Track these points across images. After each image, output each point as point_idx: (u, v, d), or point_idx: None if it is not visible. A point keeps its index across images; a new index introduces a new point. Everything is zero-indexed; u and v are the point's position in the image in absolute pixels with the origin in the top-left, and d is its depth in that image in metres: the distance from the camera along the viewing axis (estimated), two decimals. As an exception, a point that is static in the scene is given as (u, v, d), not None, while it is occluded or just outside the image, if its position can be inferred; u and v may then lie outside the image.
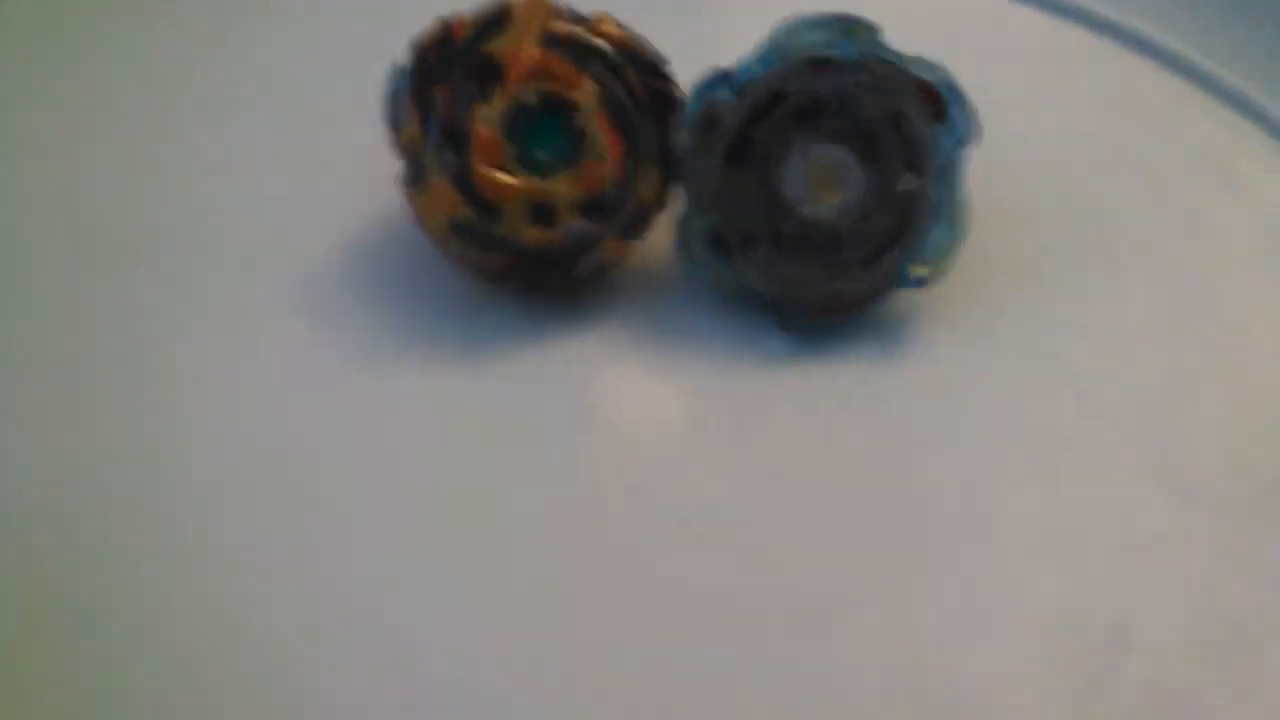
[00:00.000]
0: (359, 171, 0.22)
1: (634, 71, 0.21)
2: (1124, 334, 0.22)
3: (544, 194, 0.20)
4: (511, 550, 0.18)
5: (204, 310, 0.21)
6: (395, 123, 0.21)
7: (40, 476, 0.19)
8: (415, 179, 0.20)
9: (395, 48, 0.20)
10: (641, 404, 0.21)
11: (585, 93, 0.20)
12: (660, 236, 0.22)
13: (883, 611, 0.18)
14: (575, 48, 0.20)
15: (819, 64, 0.20)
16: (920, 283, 0.21)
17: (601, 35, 0.21)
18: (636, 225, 0.21)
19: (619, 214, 0.21)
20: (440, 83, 0.20)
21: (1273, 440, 0.21)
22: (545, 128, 0.20)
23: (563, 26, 0.20)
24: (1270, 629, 0.18)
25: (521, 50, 0.20)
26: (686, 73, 0.21)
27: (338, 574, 0.18)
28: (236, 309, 0.21)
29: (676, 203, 0.21)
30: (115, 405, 0.20)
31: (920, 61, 0.20)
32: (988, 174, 0.21)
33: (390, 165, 0.21)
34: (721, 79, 0.20)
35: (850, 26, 0.20)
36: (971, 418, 0.21)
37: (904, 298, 0.22)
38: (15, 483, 0.19)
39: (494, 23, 0.20)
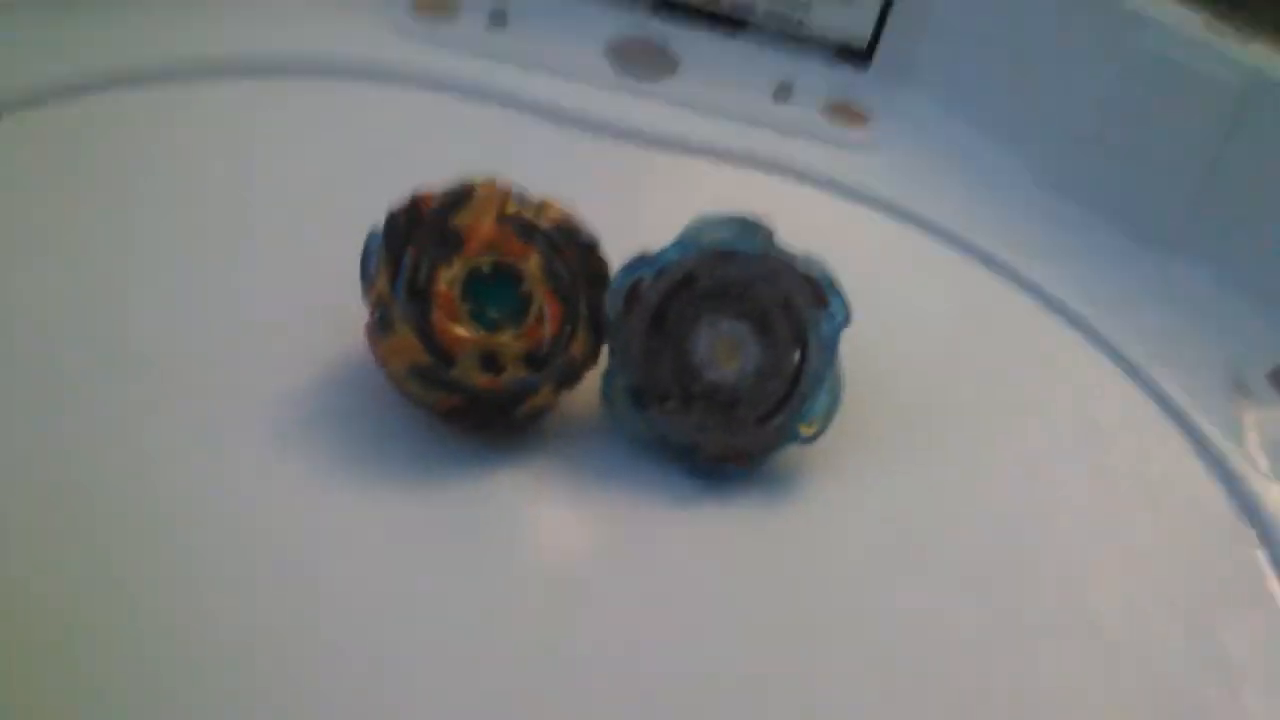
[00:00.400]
0: (329, 318, 0.25)
1: (572, 248, 0.25)
2: (965, 483, 0.27)
3: (493, 346, 0.24)
4: (446, 660, 0.21)
5: (175, 431, 0.23)
6: (367, 277, 0.24)
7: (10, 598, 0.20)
8: (382, 327, 0.24)
9: (375, 212, 0.24)
10: (566, 532, 0.24)
11: (531, 264, 0.24)
12: (588, 389, 0.25)
13: None
14: (524, 226, 0.24)
15: (726, 255, 0.24)
16: (806, 439, 0.25)
17: (547, 218, 0.25)
18: (569, 378, 0.25)
19: (555, 367, 0.24)
20: (409, 245, 0.24)
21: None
22: (496, 291, 0.24)
23: (514, 208, 0.24)
24: None
25: (480, 225, 0.24)
26: (616, 250, 0.25)
27: (294, 681, 0.20)
28: (209, 429, 0.23)
29: (603, 361, 0.25)
30: (89, 515, 0.21)
31: (806, 259, 0.25)
32: (861, 352, 0.26)
33: (356, 313, 0.24)
34: (645, 262, 0.24)
35: (751, 226, 0.25)
36: (844, 549, 0.25)
37: (792, 450, 0.26)
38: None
39: (458, 199, 0.24)
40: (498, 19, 0.39)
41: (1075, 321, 0.32)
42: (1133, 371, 0.31)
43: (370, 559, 0.22)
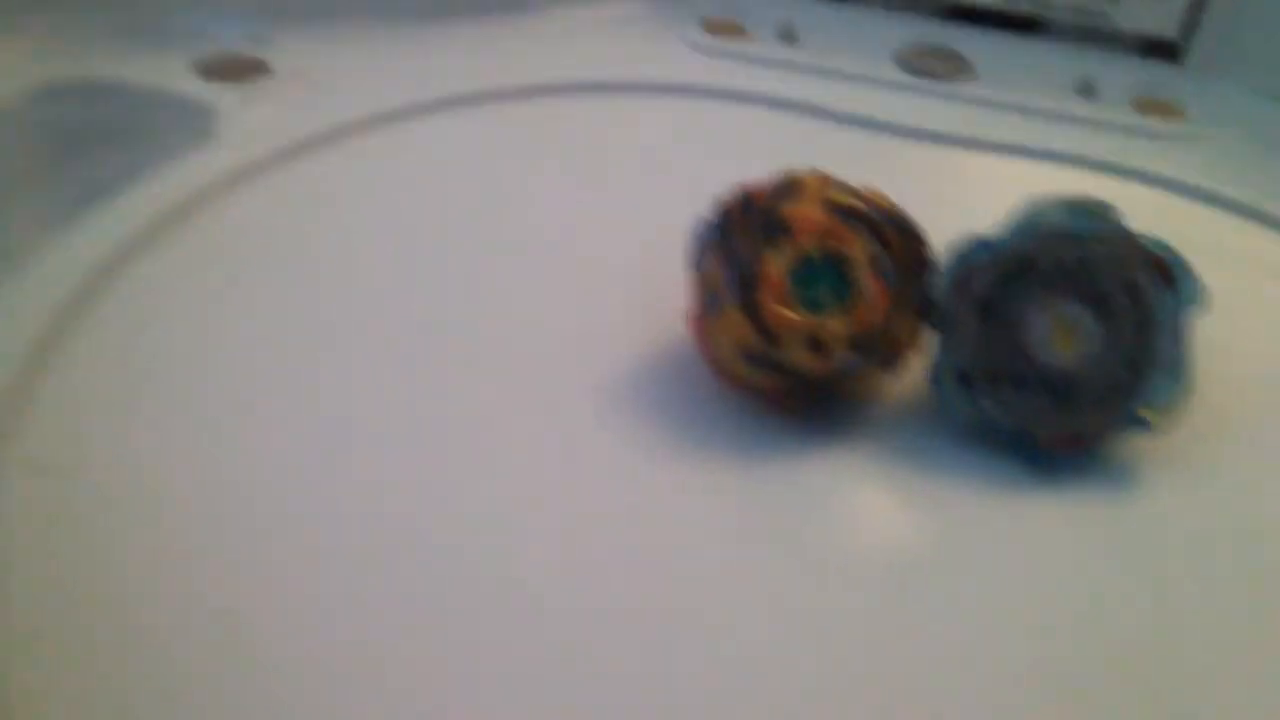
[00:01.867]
0: (651, 314, 0.27)
1: (895, 234, 0.25)
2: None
3: (820, 329, 0.24)
4: (772, 646, 0.21)
5: (512, 412, 0.25)
6: (699, 265, 0.25)
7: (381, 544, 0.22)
8: (712, 310, 0.25)
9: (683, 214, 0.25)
10: (893, 519, 0.24)
11: (857, 250, 0.24)
12: (913, 375, 0.25)
13: None
14: (850, 212, 0.25)
15: (1067, 237, 0.24)
16: (1147, 425, 0.24)
17: (873, 205, 0.25)
18: (893, 360, 0.25)
19: (879, 349, 0.24)
20: (740, 235, 0.25)
21: None
22: (823, 276, 0.24)
23: (841, 196, 0.25)
24: None
25: (809, 213, 0.24)
26: (937, 239, 0.25)
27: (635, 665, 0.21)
28: (544, 413, 0.25)
29: (928, 346, 0.25)
30: (445, 476, 0.23)
31: (1154, 239, 0.24)
32: (1214, 346, 0.24)
33: (674, 309, 0.25)
34: (982, 246, 0.24)
35: (1092, 207, 0.24)
36: (1183, 549, 0.23)
37: (1135, 441, 0.24)
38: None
39: (786, 189, 0.25)
40: (787, 35, 0.40)
41: None
42: None
43: (704, 545, 0.22)
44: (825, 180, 0.25)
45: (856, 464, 0.24)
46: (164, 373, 0.25)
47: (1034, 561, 0.23)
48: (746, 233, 0.25)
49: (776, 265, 0.24)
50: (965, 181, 0.34)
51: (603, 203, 0.31)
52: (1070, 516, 0.23)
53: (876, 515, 0.24)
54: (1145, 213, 0.32)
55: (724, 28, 0.41)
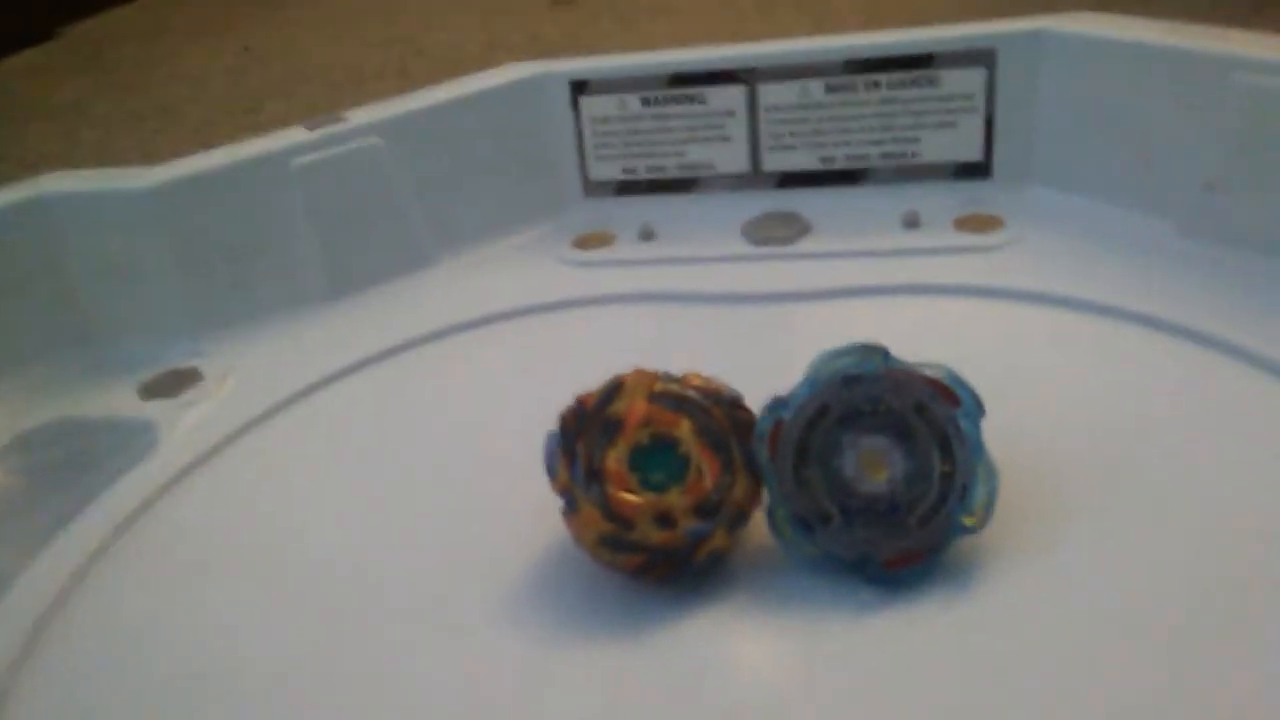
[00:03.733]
0: (536, 513, 0.30)
1: (719, 408, 0.28)
2: (1147, 548, 0.27)
3: (664, 506, 0.27)
4: None
5: (416, 629, 0.28)
6: (552, 472, 0.29)
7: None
8: (570, 508, 0.28)
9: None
10: (767, 658, 0.26)
11: (683, 429, 0.28)
12: (759, 528, 0.28)
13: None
14: (672, 398, 0.28)
15: (851, 379, 0.27)
16: (971, 530, 0.27)
17: (691, 387, 0.28)
18: (738, 519, 0.28)
19: (723, 513, 0.27)
20: (579, 438, 0.28)
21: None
22: (658, 458, 0.28)
23: (661, 386, 0.28)
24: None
25: (634, 407, 0.28)
26: (760, 401, 0.28)
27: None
28: (450, 612, 0.28)
29: (767, 499, 0.28)
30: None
31: (928, 365, 0.27)
32: (1008, 436, 0.27)
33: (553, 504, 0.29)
34: (780, 404, 0.28)
35: (867, 349, 0.28)
36: (1031, 633, 0.25)
37: (963, 544, 0.27)
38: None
39: (612, 392, 0.28)
40: (646, 234, 0.45)
41: (1240, 354, 0.31)
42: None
43: (600, 712, 0.25)
44: (647, 376, 0.29)
45: (724, 615, 0.27)
46: (140, 672, 0.28)
47: (893, 673, 0.25)
48: (584, 435, 0.28)
49: (614, 458, 0.28)
50: (810, 332, 0.37)
51: (490, 423, 0.35)
52: (917, 624, 0.26)
53: (754, 657, 0.26)
54: (972, 320, 0.36)
55: (593, 240, 0.46)
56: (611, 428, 0.28)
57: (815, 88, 0.43)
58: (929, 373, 0.27)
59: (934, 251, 0.40)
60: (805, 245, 0.42)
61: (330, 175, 0.43)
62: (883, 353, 0.27)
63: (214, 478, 0.35)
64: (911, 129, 0.43)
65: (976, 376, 0.27)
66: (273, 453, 0.36)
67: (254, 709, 0.26)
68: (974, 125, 0.42)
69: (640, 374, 0.29)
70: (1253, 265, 0.36)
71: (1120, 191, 0.40)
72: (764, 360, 0.29)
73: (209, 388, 0.40)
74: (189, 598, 0.30)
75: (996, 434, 0.27)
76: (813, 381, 0.28)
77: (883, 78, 0.42)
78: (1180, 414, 0.31)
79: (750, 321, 0.38)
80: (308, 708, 0.26)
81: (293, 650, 0.28)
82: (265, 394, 0.38)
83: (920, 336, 0.29)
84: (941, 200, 0.43)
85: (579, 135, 0.46)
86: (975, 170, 0.43)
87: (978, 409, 0.27)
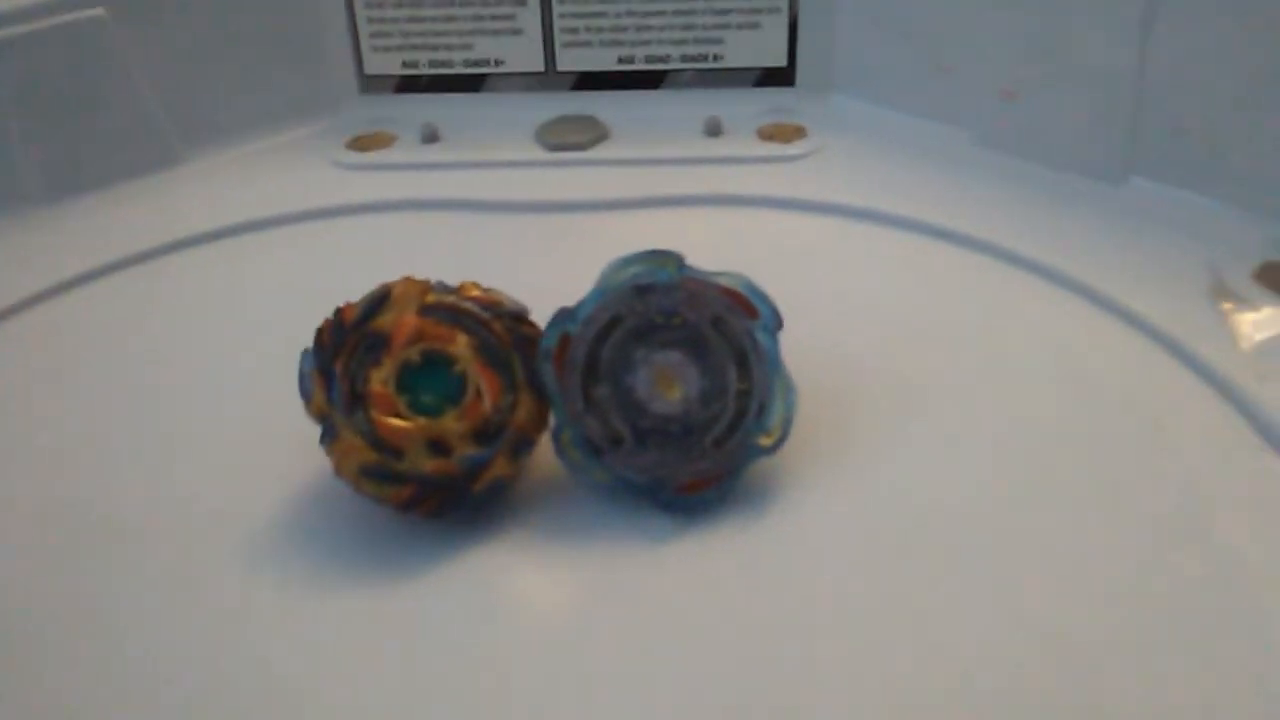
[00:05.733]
0: (290, 442, 0.26)
1: (500, 321, 0.25)
2: (948, 458, 0.26)
3: (437, 431, 0.24)
4: None
5: (157, 576, 0.24)
6: (306, 395, 0.25)
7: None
8: (328, 436, 0.24)
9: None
10: (552, 594, 0.24)
11: (459, 345, 0.25)
12: (546, 453, 0.25)
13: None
14: (447, 310, 0.25)
15: (643, 289, 0.25)
16: (768, 451, 0.25)
17: (468, 298, 0.25)
18: (521, 445, 0.25)
19: (504, 438, 0.25)
20: (337, 357, 0.24)
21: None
22: (431, 379, 0.25)
23: (434, 297, 0.25)
24: None
25: (402, 320, 0.25)
26: (548, 316, 0.25)
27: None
28: (203, 547, 0.24)
29: (553, 421, 0.25)
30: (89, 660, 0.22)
31: (725, 274, 0.25)
32: (807, 352, 0.26)
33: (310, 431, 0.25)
34: (567, 315, 0.25)
35: (660, 255, 0.25)
36: (830, 552, 0.24)
37: (761, 465, 0.25)
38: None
39: (376, 302, 0.25)
40: (430, 136, 0.41)
41: (1035, 269, 0.31)
42: (1105, 303, 0.30)
43: (364, 660, 0.22)
44: (418, 285, 0.25)
45: (504, 550, 0.24)
46: None
47: (689, 604, 0.23)
48: (343, 353, 0.25)
49: (379, 379, 0.24)
50: (607, 243, 0.35)
51: (244, 345, 0.31)
52: (714, 551, 0.24)
53: (537, 594, 0.24)
54: (774, 233, 0.35)
55: (370, 141, 0.41)
56: (376, 344, 0.24)
57: (614, -20, 0.40)
58: (725, 282, 0.25)
59: (736, 160, 0.38)
60: (602, 151, 0.39)
61: (43, 52, 0.36)
62: (677, 260, 0.25)
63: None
64: (714, 29, 0.40)
65: (775, 290, 0.25)
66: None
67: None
68: (778, 27, 0.40)
69: (410, 283, 0.25)
70: (1045, 177, 0.36)
71: (921, 101, 0.39)
72: (555, 275, 0.26)
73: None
74: None
75: (794, 349, 0.25)
76: (602, 292, 0.25)
77: (685, -28, 0.40)
78: (977, 327, 0.30)
79: (542, 233, 0.35)
80: (30, 663, 0.22)
81: (15, 601, 0.23)
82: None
83: (719, 248, 0.27)
84: (744, 107, 0.41)
85: (352, 21, 0.41)
86: (779, 77, 0.41)
87: (776, 322, 0.25)
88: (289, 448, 0.26)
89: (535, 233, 0.35)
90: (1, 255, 0.35)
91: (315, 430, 0.25)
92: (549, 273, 0.26)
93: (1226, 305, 0.29)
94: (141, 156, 0.39)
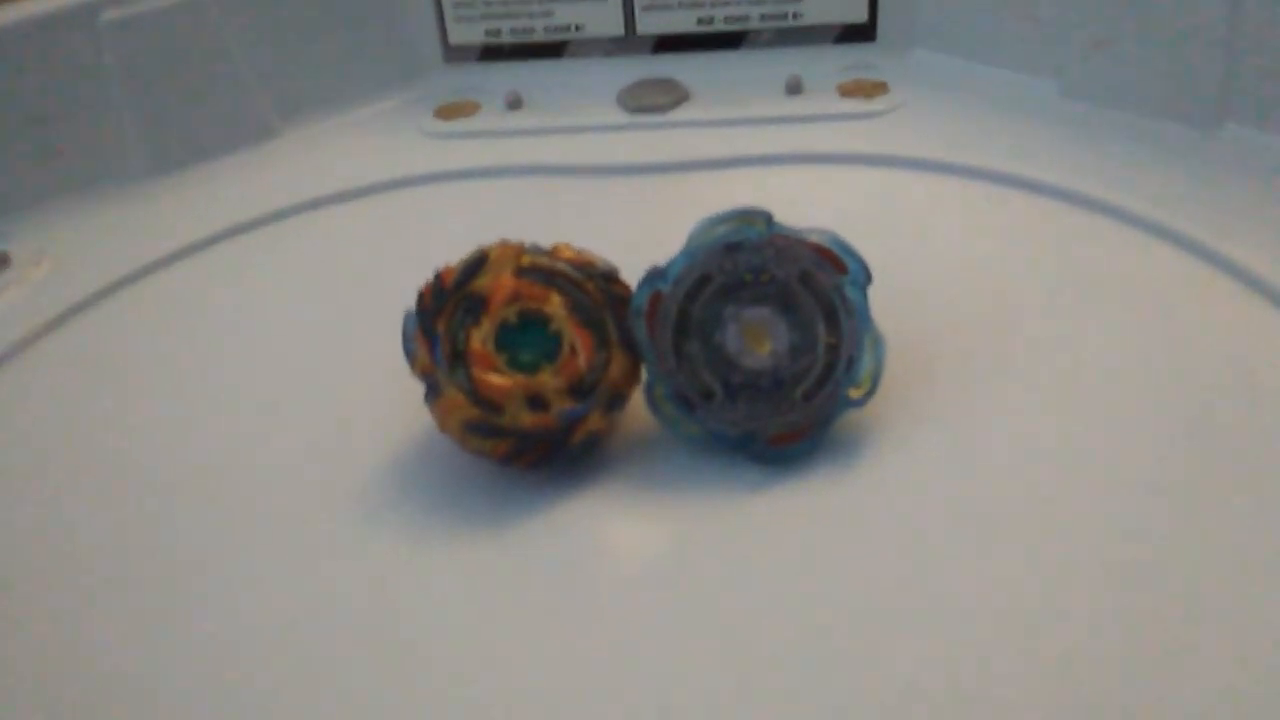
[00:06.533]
0: (392, 399, 0.27)
1: (592, 282, 0.26)
2: (1041, 416, 0.26)
3: (535, 387, 0.25)
4: (552, 688, 0.21)
5: (279, 534, 0.25)
6: (410, 354, 0.26)
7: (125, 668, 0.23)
8: (432, 394, 0.25)
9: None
10: (642, 545, 0.25)
11: (554, 305, 0.25)
12: (639, 408, 0.26)
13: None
14: (541, 272, 0.26)
15: (732, 247, 0.25)
16: (857, 403, 0.25)
17: (561, 259, 0.26)
18: (615, 400, 0.26)
19: (598, 393, 0.25)
20: (439, 318, 0.26)
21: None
22: (528, 337, 0.25)
23: (529, 259, 0.26)
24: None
25: (499, 282, 0.25)
26: (637, 276, 0.26)
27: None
28: (315, 502, 0.26)
29: (645, 377, 0.26)
30: (195, 603, 0.24)
31: (814, 230, 0.25)
32: (894, 305, 0.26)
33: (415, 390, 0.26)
34: (658, 274, 0.25)
35: (749, 214, 0.26)
36: (919, 506, 0.24)
37: (851, 418, 0.26)
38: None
39: (474, 266, 0.26)
40: (514, 103, 0.41)
41: (1127, 219, 0.31)
42: (1201, 251, 0.29)
43: (467, 608, 0.23)
44: (514, 248, 0.26)
45: (602, 501, 0.25)
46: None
47: (781, 555, 0.24)
48: (445, 314, 0.26)
49: (479, 338, 0.25)
50: (692, 203, 0.35)
51: (344, 309, 0.32)
52: (804, 503, 0.25)
53: (628, 543, 0.25)
54: (859, 189, 0.35)
55: (455, 110, 0.42)
56: (475, 305, 0.25)
57: (692, -59, 0.40)
58: (814, 239, 0.25)
59: (818, 118, 0.38)
60: (684, 113, 0.39)
61: (146, 32, 0.38)
62: (765, 218, 0.25)
63: (29, 371, 0.31)
64: (794, -14, 0.40)
65: (863, 245, 0.25)
66: (96, 344, 0.32)
67: (94, 616, 0.23)
68: (859, -18, 0.40)
69: (506, 246, 0.26)
70: (1135, 127, 0.35)
71: (1005, 53, 0.39)
72: (641, 235, 0.26)
73: (20, 272, 0.35)
74: (5, 504, 0.27)
75: (882, 303, 0.25)
76: (692, 251, 0.25)
77: (764, -69, 0.39)
78: (1069, 280, 0.30)
79: (627, 195, 0.36)
80: (150, 613, 0.24)
81: (132, 556, 0.25)
82: (85, 279, 0.34)
83: (804, 206, 0.28)
84: (824, 65, 0.41)
85: (436, -8, 0.42)
86: (859, 33, 0.41)
87: (865, 276, 0.25)
88: (394, 407, 0.28)
89: (622, 194, 0.36)
90: (109, 228, 0.37)
91: (419, 389, 0.26)
92: (637, 233, 0.27)
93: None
94: (240, 131, 0.40)
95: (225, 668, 0.22)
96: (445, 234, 0.34)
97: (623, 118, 0.40)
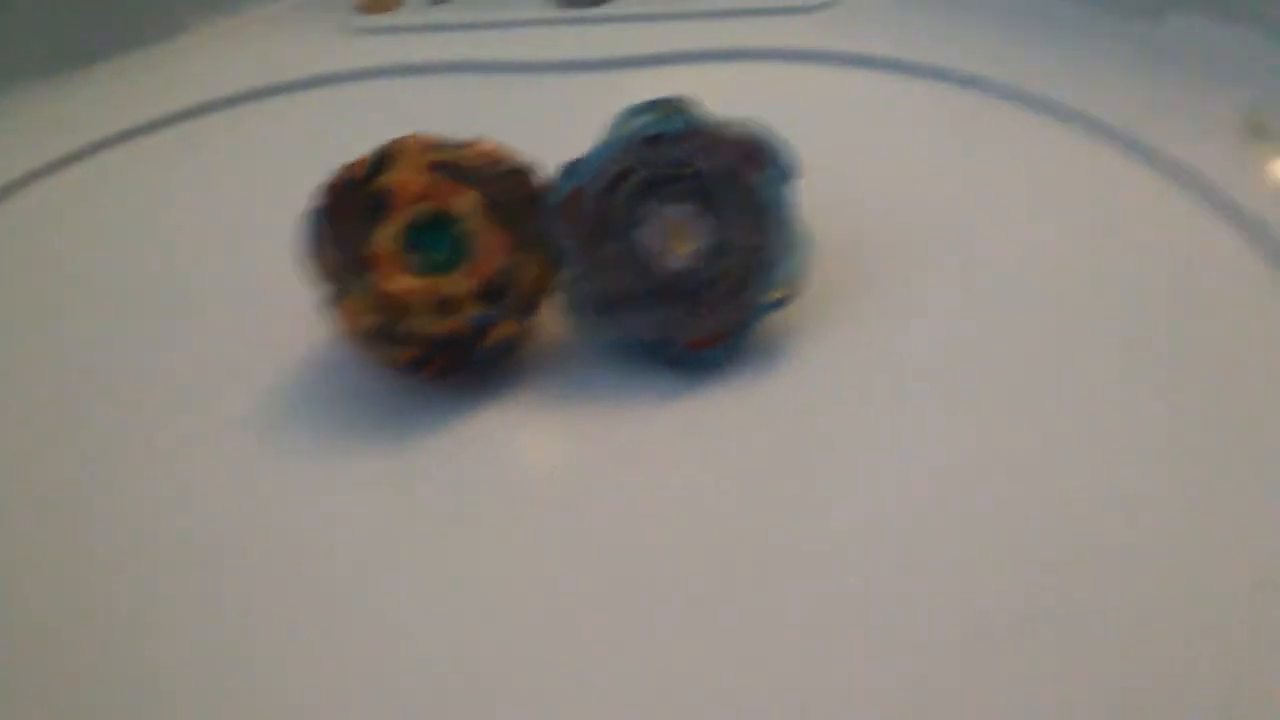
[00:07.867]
0: (288, 302, 0.26)
1: (507, 178, 0.25)
2: (962, 308, 0.26)
3: (444, 290, 0.24)
4: (460, 603, 0.21)
5: (169, 444, 0.24)
6: (315, 254, 0.25)
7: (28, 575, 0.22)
8: (334, 298, 0.24)
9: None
10: (556, 455, 0.24)
11: (466, 203, 0.24)
12: (552, 311, 0.25)
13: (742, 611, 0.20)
14: (453, 168, 0.24)
15: (654, 139, 0.24)
16: (777, 305, 0.24)
17: (475, 154, 0.25)
18: (528, 305, 0.25)
19: (511, 297, 0.24)
20: (345, 216, 0.24)
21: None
22: (437, 237, 0.24)
23: (439, 155, 0.24)
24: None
25: (408, 178, 0.24)
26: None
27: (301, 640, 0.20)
28: (209, 418, 0.24)
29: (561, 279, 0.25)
30: (101, 513, 0.23)
31: (740, 123, 0.24)
32: (825, 206, 0.25)
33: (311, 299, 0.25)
34: (574, 168, 0.24)
35: (674, 104, 0.24)
36: (837, 406, 0.24)
37: (775, 319, 0.25)
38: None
39: (383, 160, 0.24)
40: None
41: (1063, 114, 0.30)
42: (1135, 146, 0.28)
43: (369, 521, 0.22)
44: (425, 142, 0.25)
45: (514, 409, 0.24)
46: None
47: (699, 463, 0.23)
48: (351, 212, 0.24)
49: (385, 237, 0.24)
50: (621, 102, 0.34)
51: (249, 212, 0.31)
52: (721, 408, 0.24)
53: (541, 453, 0.24)
54: (792, 86, 0.34)
55: (378, 4, 0.40)
56: (381, 202, 0.24)
57: None
58: (738, 132, 0.24)
59: (758, 12, 0.36)
60: (615, 8, 0.37)
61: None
62: (687, 109, 0.24)
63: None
64: None
65: (792, 142, 0.24)
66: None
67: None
68: None
69: (416, 140, 0.25)
70: (1078, 17, 0.34)
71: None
72: (567, 134, 0.25)
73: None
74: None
75: (813, 204, 0.24)
76: (610, 143, 0.24)
77: None
78: (1000, 177, 0.29)
79: (555, 92, 0.34)
80: (51, 520, 0.23)
81: (33, 470, 0.24)
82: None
83: (737, 103, 0.26)
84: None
85: (354, -124, 0.40)
86: (801, -75, 0.39)
87: (791, 173, 0.24)
88: (295, 314, 0.26)
89: (548, 92, 0.34)
90: (9, 128, 0.35)
91: (320, 295, 0.25)
92: (560, 133, 0.25)
93: (1262, 146, 0.28)
94: (146, 26, 0.38)
95: (120, 589, 0.21)
96: (364, 135, 0.32)
97: (551, 12, 0.38)
